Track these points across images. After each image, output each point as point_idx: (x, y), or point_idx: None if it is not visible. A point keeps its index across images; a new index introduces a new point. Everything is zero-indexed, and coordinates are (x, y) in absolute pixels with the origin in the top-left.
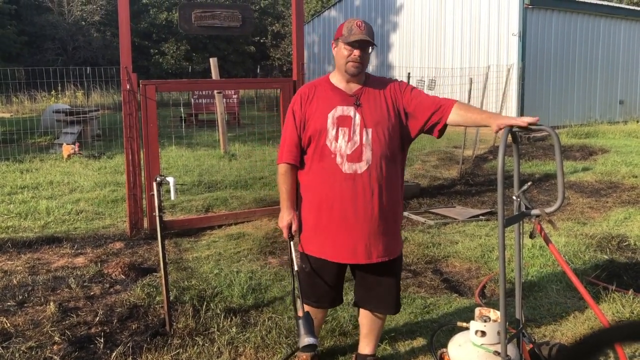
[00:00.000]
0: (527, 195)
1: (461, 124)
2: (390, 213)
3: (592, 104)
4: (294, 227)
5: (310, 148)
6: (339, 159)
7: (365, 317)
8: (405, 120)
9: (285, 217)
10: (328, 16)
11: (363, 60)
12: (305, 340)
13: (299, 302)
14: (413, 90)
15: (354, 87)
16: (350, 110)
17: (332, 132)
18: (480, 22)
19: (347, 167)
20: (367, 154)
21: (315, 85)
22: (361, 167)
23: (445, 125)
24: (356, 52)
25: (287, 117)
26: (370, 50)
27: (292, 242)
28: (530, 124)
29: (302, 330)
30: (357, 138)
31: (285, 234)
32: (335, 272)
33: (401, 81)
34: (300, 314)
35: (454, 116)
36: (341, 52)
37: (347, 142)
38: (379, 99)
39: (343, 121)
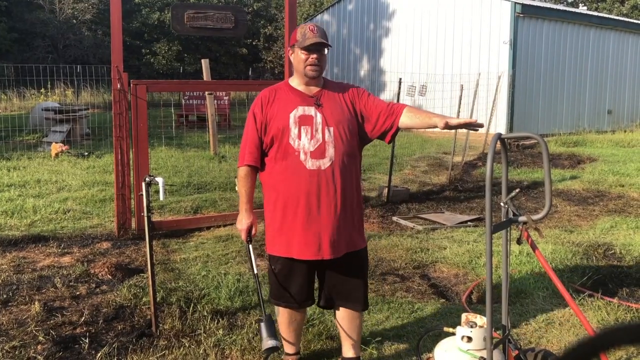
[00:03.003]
0: (515, 202)
1: (411, 126)
2: (350, 209)
3: (581, 113)
4: (253, 231)
5: (273, 149)
6: (302, 156)
7: (340, 319)
8: (362, 121)
9: (244, 220)
10: (321, 20)
11: (321, 63)
12: (269, 342)
13: (265, 303)
14: (370, 96)
15: (314, 89)
16: (311, 110)
17: (294, 131)
18: (472, 29)
19: (310, 164)
20: (330, 151)
21: (275, 89)
22: (324, 163)
23: (397, 130)
24: (313, 56)
25: (247, 120)
26: (326, 51)
27: (250, 245)
28: (473, 124)
29: (263, 334)
30: (319, 136)
31: (244, 237)
32: (305, 272)
33: (358, 87)
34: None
35: (404, 118)
36: (298, 57)
37: (310, 139)
38: (339, 100)
39: (305, 120)
